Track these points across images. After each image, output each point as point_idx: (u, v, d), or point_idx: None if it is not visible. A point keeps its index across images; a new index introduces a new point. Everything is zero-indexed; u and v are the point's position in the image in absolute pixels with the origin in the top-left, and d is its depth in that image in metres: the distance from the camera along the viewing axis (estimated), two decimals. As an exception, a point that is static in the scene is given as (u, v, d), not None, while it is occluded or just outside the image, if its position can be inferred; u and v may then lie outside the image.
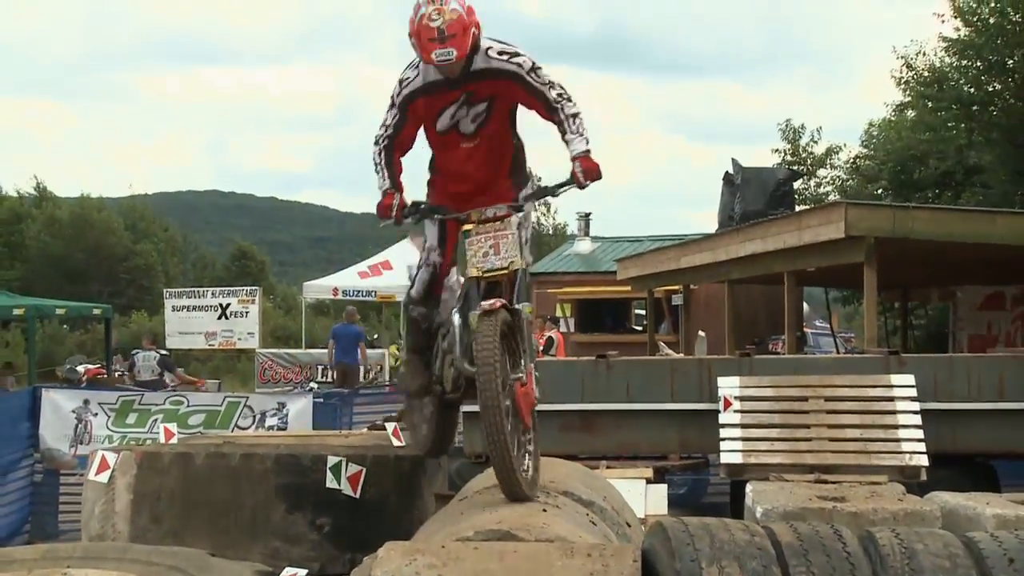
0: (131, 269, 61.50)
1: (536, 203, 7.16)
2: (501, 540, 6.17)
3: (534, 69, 6.95)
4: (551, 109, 6.95)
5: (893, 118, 39.83)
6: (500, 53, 6.90)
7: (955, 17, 31.89)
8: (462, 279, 7.24)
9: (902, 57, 35.23)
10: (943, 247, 20.69)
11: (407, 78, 7.03)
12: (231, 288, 40.22)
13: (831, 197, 40.88)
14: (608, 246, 46.32)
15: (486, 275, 6.66)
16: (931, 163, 33.79)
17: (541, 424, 9.82)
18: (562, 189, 6.97)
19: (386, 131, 7.04)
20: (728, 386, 13.34)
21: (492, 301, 6.48)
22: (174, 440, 8.06)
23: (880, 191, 36.22)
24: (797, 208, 27.66)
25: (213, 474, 7.24)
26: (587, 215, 50.39)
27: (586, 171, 6.75)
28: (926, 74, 33.62)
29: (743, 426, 13.03)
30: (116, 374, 26.72)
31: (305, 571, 6.01)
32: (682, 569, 5.20)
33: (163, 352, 27.62)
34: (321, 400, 16.29)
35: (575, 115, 6.93)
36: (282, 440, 9.18)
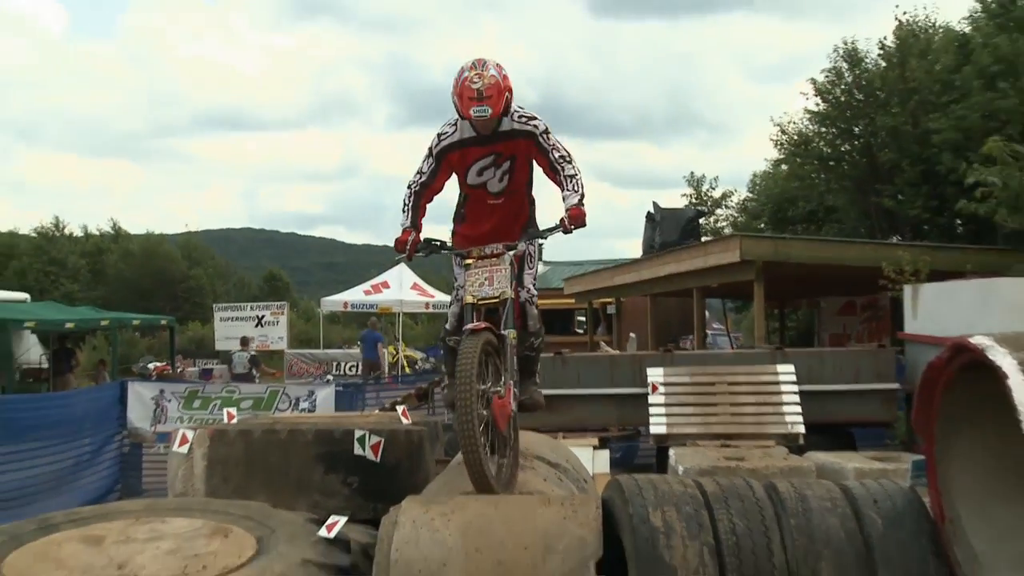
0: (187, 289, 61.54)
1: (529, 242, 6.93)
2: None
3: (546, 132, 6.71)
4: (553, 169, 6.70)
5: (771, 170, 39.94)
6: (521, 117, 6.62)
7: (816, 95, 32.16)
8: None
9: (777, 124, 35.39)
10: (811, 267, 20.87)
11: (445, 132, 6.71)
12: (265, 303, 40.35)
13: (727, 231, 40.94)
14: (556, 268, 46.36)
15: (480, 302, 6.45)
16: (800, 204, 33.98)
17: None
18: (550, 232, 6.76)
19: (420, 177, 6.74)
20: (655, 374, 13.57)
21: (477, 323, 6.31)
22: (235, 420, 8.06)
23: (762, 225, 36.34)
24: (703, 239, 27.77)
25: (267, 445, 7.17)
26: (540, 245, 50.61)
27: (572, 217, 6.55)
28: (795, 137, 33.81)
29: (666, 405, 13.21)
30: (178, 370, 26.67)
31: (344, 518, 6.00)
32: (634, 513, 5.20)
33: (253, 353, 28.07)
34: (341, 389, 16.33)
35: (572, 176, 6.68)
36: (318, 419, 9.19)
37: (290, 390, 15.83)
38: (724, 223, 45.77)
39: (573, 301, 36.09)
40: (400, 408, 9.99)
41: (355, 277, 46.02)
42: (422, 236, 6.74)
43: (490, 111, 6.33)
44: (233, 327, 35.29)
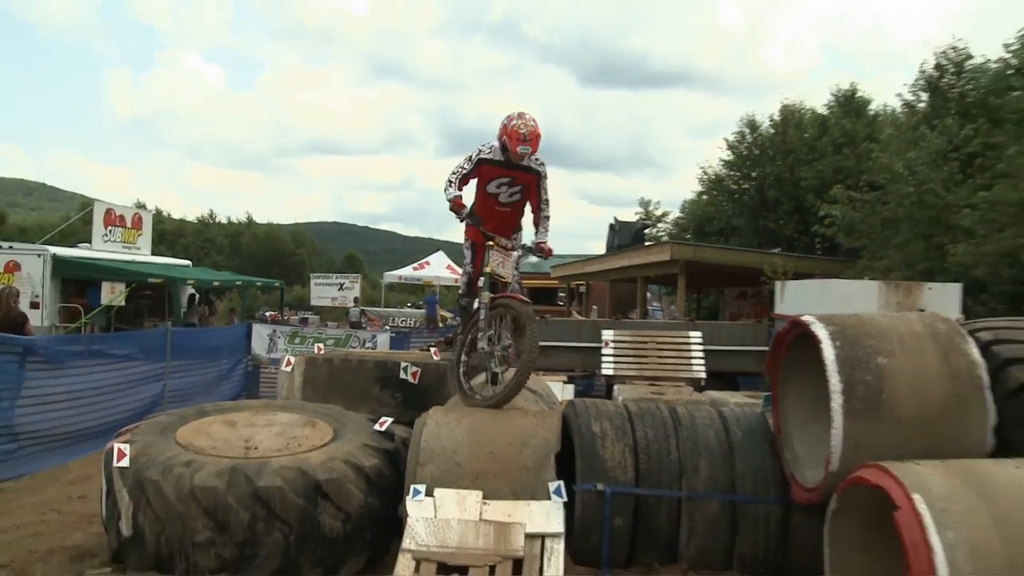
0: (293, 262, 61.43)
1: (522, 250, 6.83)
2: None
3: (545, 177, 6.59)
4: (537, 209, 6.64)
5: (696, 199, 39.62)
6: (536, 159, 6.46)
7: (728, 149, 32.15)
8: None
9: (701, 167, 35.59)
10: (718, 266, 20.89)
11: (484, 150, 6.42)
12: (345, 274, 40.21)
13: (663, 239, 40.74)
14: (546, 259, 46.26)
15: (494, 275, 6.34)
16: (714, 223, 33.73)
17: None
18: (533, 253, 6.74)
19: (461, 171, 6.39)
20: (607, 335, 13.47)
21: (496, 295, 6.29)
22: (322, 351, 8.13)
23: (688, 236, 36.18)
24: (647, 244, 27.77)
25: (343, 369, 7.20)
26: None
27: (547, 252, 6.56)
28: (713, 177, 33.77)
29: (614, 355, 13.12)
30: (285, 318, 26.77)
31: (391, 419, 6.17)
32: (581, 423, 5.42)
33: (364, 308, 29.06)
34: (394, 335, 16.41)
35: (547, 218, 6.63)
36: (377, 354, 9.28)
37: (359, 334, 15.93)
38: (663, 233, 45.50)
39: (557, 282, 36.02)
40: (433, 349, 10.18)
41: (408, 259, 46.01)
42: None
43: (531, 151, 6.27)
44: (324, 290, 35.59)
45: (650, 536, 5.24)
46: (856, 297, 10.92)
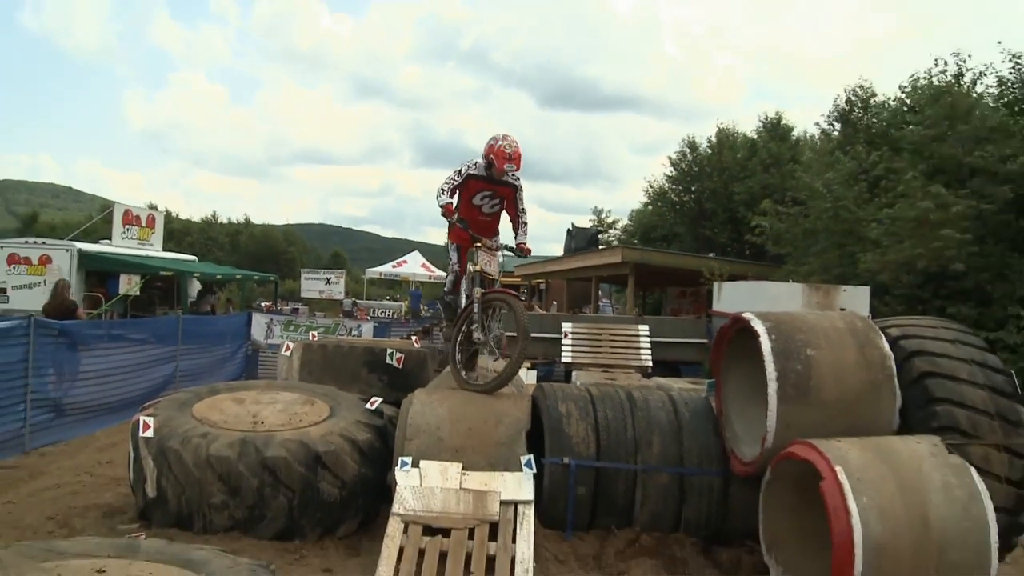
0: (286, 259, 60.80)
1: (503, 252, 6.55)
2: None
3: (521, 190, 6.53)
4: (516, 214, 6.56)
5: (643, 208, 39.86)
6: (513, 175, 6.40)
7: (671, 165, 32.35)
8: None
9: (648, 181, 35.73)
10: (662, 268, 21.01)
11: (471, 166, 6.34)
12: (331, 270, 39.80)
13: (614, 243, 40.89)
14: (511, 259, 46.14)
15: (482, 273, 6.21)
16: (658, 230, 33.93)
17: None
18: (514, 253, 6.55)
19: (452, 182, 6.27)
20: (566, 327, 13.39)
21: (486, 291, 6.17)
22: (317, 338, 8.04)
23: (635, 241, 36.31)
24: (600, 247, 27.83)
25: (335, 354, 7.11)
26: (504, 244, 50.92)
27: (526, 251, 6.50)
28: (658, 190, 33.95)
29: (572, 345, 13.02)
30: (279, 308, 26.49)
31: (380, 399, 6.14)
32: (549, 405, 5.44)
33: (356, 300, 28.94)
34: (376, 325, 16.30)
35: (525, 224, 6.59)
36: (365, 341, 9.20)
37: (346, 323, 15.82)
38: (613, 239, 45.69)
39: (520, 280, 36.03)
40: (413, 338, 10.13)
41: (385, 257, 45.89)
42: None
43: (515, 168, 6.27)
44: (313, 283, 35.25)
45: (609, 503, 5.29)
46: (783, 297, 11.04)
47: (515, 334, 5.88)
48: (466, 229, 6.34)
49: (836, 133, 20.62)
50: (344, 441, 5.24)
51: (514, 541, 4.77)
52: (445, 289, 6.91)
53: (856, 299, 11.11)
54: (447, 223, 6.59)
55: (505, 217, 6.77)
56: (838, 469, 4.21)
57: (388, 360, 7.29)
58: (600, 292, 31.08)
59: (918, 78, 17.45)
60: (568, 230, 29.55)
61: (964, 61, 16.34)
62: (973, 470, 4.38)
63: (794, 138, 30.13)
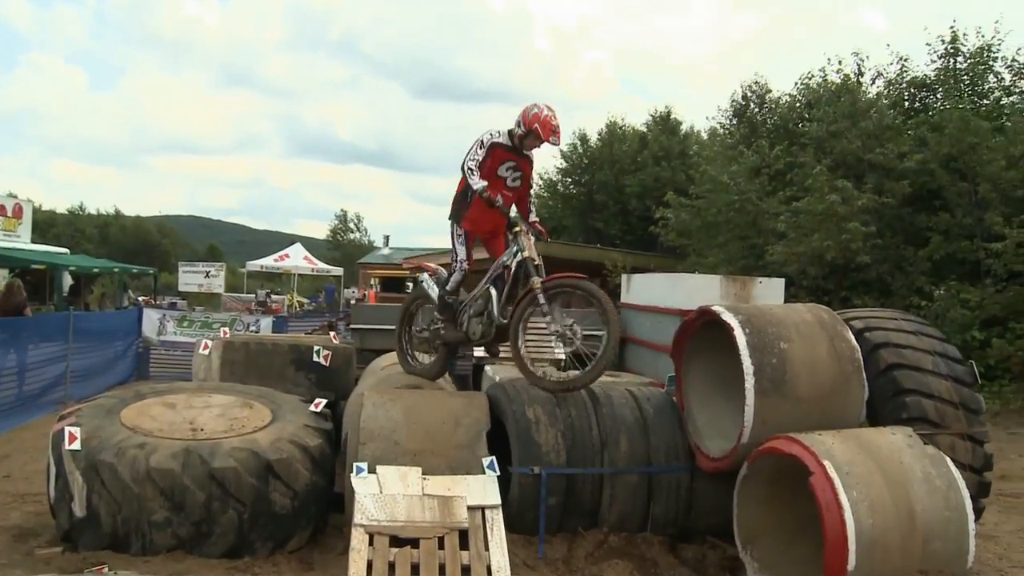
0: (160, 252, 58.61)
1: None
2: (416, 389, 6.09)
3: (533, 165, 6.04)
4: (526, 196, 6.06)
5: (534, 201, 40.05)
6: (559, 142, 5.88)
7: (562, 158, 32.61)
8: (501, 261, 5.90)
9: (538, 173, 35.99)
10: (565, 261, 20.88)
11: (495, 135, 5.78)
12: (210, 263, 38.55)
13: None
14: (398, 251, 45.85)
15: (532, 260, 5.58)
16: (546, 223, 33.69)
17: (381, 338, 9.46)
18: (537, 236, 5.86)
19: (477, 158, 5.65)
20: None
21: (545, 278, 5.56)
22: (228, 336, 7.55)
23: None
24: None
25: (259, 352, 6.84)
26: (387, 236, 51.22)
27: (545, 232, 5.98)
28: (547, 181, 34.18)
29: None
30: (156, 302, 25.30)
31: (325, 400, 5.86)
32: (516, 410, 5.25)
33: (267, 292, 28.51)
34: (275, 320, 15.69)
35: (533, 202, 6.15)
36: (287, 338, 8.74)
37: (244, 318, 15.17)
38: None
39: (408, 272, 35.67)
40: (332, 334, 9.79)
41: (257, 250, 44.75)
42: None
43: (559, 143, 5.85)
44: (191, 277, 34.04)
45: (577, 507, 5.16)
46: (700, 289, 11.08)
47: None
48: (505, 214, 5.75)
49: (732, 128, 21.21)
50: (296, 448, 4.93)
51: (487, 548, 4.59)
52: (447, 288, 6.18)
53: (771, 291, 11.35)
54: (456, 207, 5.99)
55: None
56: (826, 463, 4.22)
57: (315, 358, 6.99)
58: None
59: (812, 75, 18.22)
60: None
61: (863, 61, 17.12)
62: (948, 460, 4.49)
63: (683, 132, 30.94)
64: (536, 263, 5.62)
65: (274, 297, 32.49)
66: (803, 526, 4.79)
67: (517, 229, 5.70)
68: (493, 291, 5.87)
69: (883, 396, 5.00)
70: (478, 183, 5.61)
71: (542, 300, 5.43)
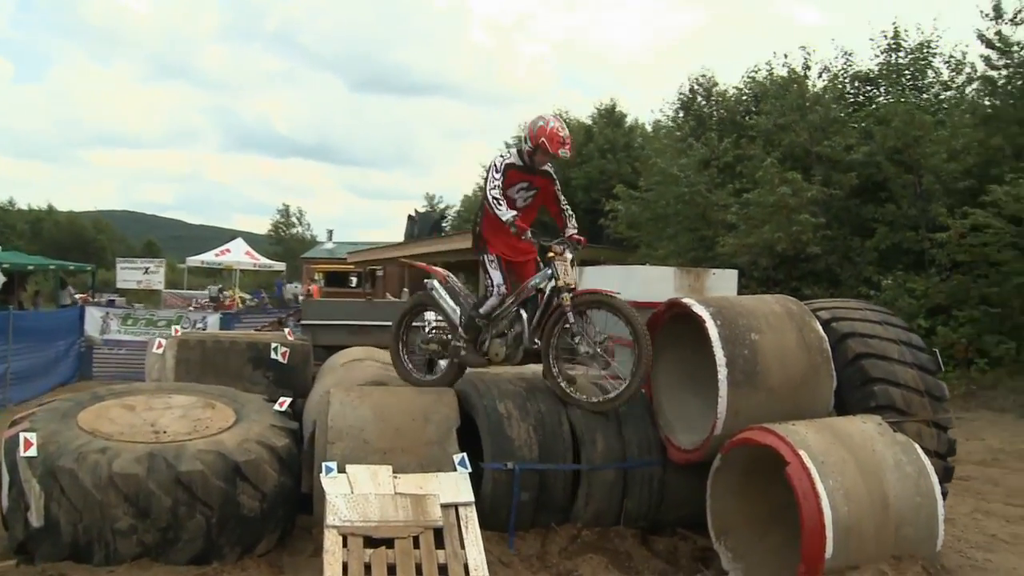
0: (96, 248, 57.06)
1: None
2: (380, 385, 6.03)
3: (557, 181, 5.85)
4: (559, 212, 5.77)
5: (473, 195, 39.99)
6: (550, 164, 5.75)
7: (507, 148, 32.44)
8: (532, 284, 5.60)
9: (483, 166, 36.06)
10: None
11: (507, 156, 5.64)
12: (149, 259, 37.81)
13: (447, 227, 40.70)
14: (342, 246, 45.51)
15: (567, 285, 5.30)
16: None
17: (333, 334, 9.44)
18: (576, 249, 5.57)
19: (497, 185, 5.50)
20: (429, 314, 13.08)
21: (575, 293, 5.30)
22: (179, 334, 7.36)
23: (469, 227, 36.39)
24: (446, 232, 27.62)
25: (216, 350, 6.67)
26: (331, 230, 51.06)
27: (582, 242, 5.65)
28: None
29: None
30: (93, 300, 24.67)
31: (290, 399, 5.74)
32: (487, 404, 5.19)
33: (220, 287, 28.52)
34: (222, 316, 15.39)
35: (571, 215, 5.79)
36: (243, 335, 8.54)
37: (191, 315, 14.91)
38: (446, 225, 45.77)
39: (353, 266, 35.38)
40: (286, 330, 9.63)
41: (194, 246, 43.97)
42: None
43: (569, 154, 5.63)
44: (129, 273, 33.40)
45: (549, 502, 5.13)
46: (655, 280, 11.18)
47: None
48: (535, 243, 5.55)
49: (680, 121, 21.44)
50: (263, 449, 4.82)
51: (463, 547, 4.54)
52: (481, 311, 5.79)
53: (725, 282, 11.52)
54: (475, 231, 5.85)
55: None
56: (802, 453, 4.26)
57: (273, 355, 6.84)
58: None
59: (758, 69, 18.52)
60: (410, 216, 29.38)
61: (810, 55, 17.43)
62: (918, 447, 4.58)
63: (627, 125, 31.16)
64: (572, 287, 5.36)
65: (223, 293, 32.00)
66: (775, 516, 4.86)
67: (551, 254, 5.45)
68: (524, 314, 5.61)
69: (851, 385, 5.08)
70: (507, 214, 5.43)
71: (572, 319, 5.23)
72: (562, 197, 5.86)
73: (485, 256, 5.76)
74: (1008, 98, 14.81)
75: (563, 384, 5.31)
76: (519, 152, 5.64)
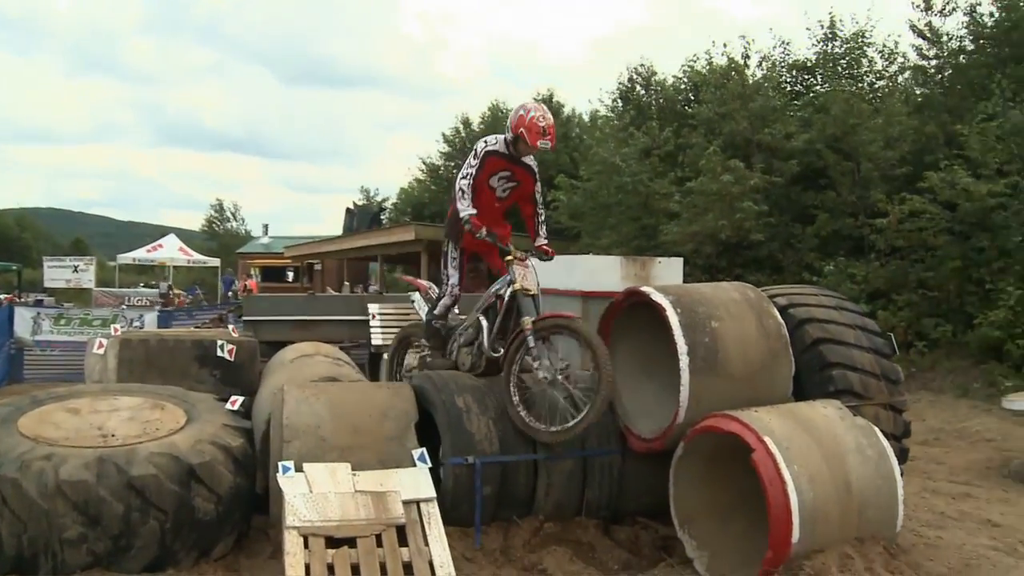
0: (20, 247, 55.25)
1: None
2: (333, 381, 5.91)
3: (539, 180, 5.66)
4: (535, 213, 5.66)
5: (409, 187, 39.79)
6: (534, 159, 5.58)
7: (445, 142, 32.40)
8: (492, 290, 5.57)
9: (421, 159, 35.96)
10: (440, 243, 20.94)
11: (491, 143, 5.44)
12: (79, 256, 36.68)
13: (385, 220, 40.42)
14: (278, 240, 44.85)
15: (524, 291, 5.23)
16: (429, 207, 33.58)
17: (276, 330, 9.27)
18: (543, 259, 5.57)
19: (472, 171, 5.37)
20: (373, 308, 12.96)
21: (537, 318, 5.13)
22: (119, 334, 7.11)
23: (406, 219, 36.06)
24: (386, 225, 27.37)
25: (160, 349, 6.52)
26: (266, 225, 50.26)
27: (550, 253, 5.61)
28: (431, 166, 34.02)
29: (380, 326, 12.65)
30: (20, 300, 23.84)
31: (242, 397, 5.59)
32: (445, 398, 5.13)
33: (171, 284, 28.06)
34: (159, 314, 14.97)
35: (544, 222, 5.72)
36: (187, 333, 8.35)
37: (127, 312, 14.43)
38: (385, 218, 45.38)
39: (290, 261, 34.94)
40: (231, 327, 9.43)
41: (123, 243, 42.85)
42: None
43: (551, 145, 5.33)
44: (58, 272, 32.24)
45: (511, 495, 5.10)
46: (600, 270, 11.22)
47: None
48: (495, 243, 5.40)
49: (621, 110, 21.58)
50: (218, 450, 4.66)
51: (427, 543, 4.47)
52: (434, 312, 5.76)
53: (671, 270, 11.63)
54: (451, 227, 5.64)
55: None
56: (767, 440, 4.30)
57: (219, 352, 6.71)
58: (368, 271, 30.67)
59: (697, 58, 18.72)
60: (348, 209, 29.09)
61: (750, 44, 17.68)
62: (877, 430, 4.66)
63: (564, 115, 31.30)
64: (530, 294, 5.26)
65: (143, 292, 31.18)
66: (738, 503, 4.90)
67: (509, 258, 5.35)
68: (484, 322, 5.53)
69: (809, 370, 5.15)
70: (466, 210, 5.30)
71: (531, 344, 5.05)
72: (539, 199, 5.68)
73: (450, 250, 5.66)
74: (938, 87, 15.28)
75: (521, 412, 5.12)
76: (504, 139, 5.45)
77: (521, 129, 5.30)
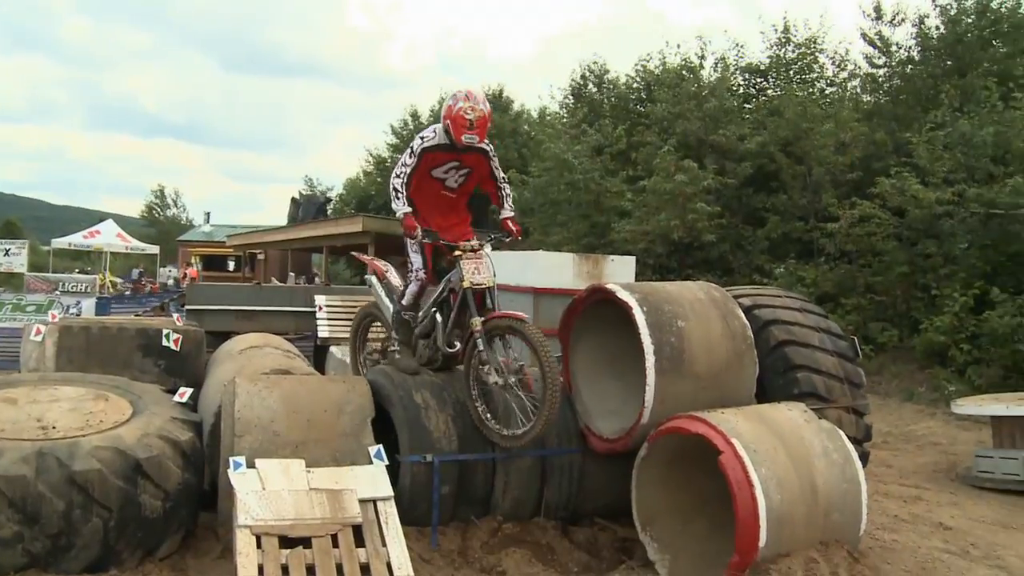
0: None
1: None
2: (285, 374, 5.72)
3: (492, 154, 5.40)
4: (496, 188, 5.44)
5: (362, 178, 39.35)
6: (485, 141, 5.31)
7: (393, 133, 32.12)
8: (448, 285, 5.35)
9: (368, 150, 35.76)
10: (388, 235, 20.80)
11: (427, 137, 5.22)
12: (11, 240, 35.43)
13: (330, 211, 39.90)
14: (220, 229, 44.08)
15: (474, 287, 5.06)
16: (375, 200, 33.08)
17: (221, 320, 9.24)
18: (507, 239, 5.45)
19: (406, 170, 5.17)
20: (321, 299, 12.79)
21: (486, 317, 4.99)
22: (56, 320, 6.86)
23: (351, 210, 35.58)
24: (332, 216, 27.02)
25: (102, 337, 6.32)
26: (208, 213, 49.37)
27: (517, 231, 5.43)
28: (378, 158, 33.69)
29: (328, 319, 12.49)
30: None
31: (191, 389, 5.38)
32: (403, 394, 5.02)
33: (140, 271, 28.02)
34: (97, 301, 14.53)
35: (508, 195, 5.50)
36: (133, 322, 8.03)
37: (63, 299, 13.99)
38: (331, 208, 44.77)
39: (232, 249, 34.34)
40: (175, 315, 9.15)
41: (57, 227, 41.59)
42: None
43: (478, 139, 5.12)
44: (-12, 256, 31.18)
45: (469, 494, 5.00)
46: (553, 267, 11.22)
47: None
48: (434, 242, 5.29)
49: (573, 107, 21.58)
50: (166, 444, 4.47)
51: (384, 544, 4.35)
52: (403, 302, 5.61)
53: (623, 268, 11.66)
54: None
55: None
56: (735, 442, 4.26)
57: (165, 342, 6.53)
58: (311, 262, 30.26)
59: (650, 58, 18.81)
60: (293, 199, 28.65)
61: (706, 45, 17.81)
62: (842, 433, 4.66)
63: (514, 112, 31.28)
64: (482, 288, 5.10)
65: (79, 278, 30.24)
66: (698, 504, 4.88)
67: (457, 253, 5.17)
68: (439, 316, 5.38)
69: (774, 372, 5.15)
70: (400, 208, 5.16)
71: (480, 347, 4.92)
72: (499, 173, 5.49)
73: (408, 240, 5.45)
74: (887, 96, 15.59)
75: (480, 409, 5.01)
76: (445, 130, 5.24)
77: (447, 121, 5.14)
